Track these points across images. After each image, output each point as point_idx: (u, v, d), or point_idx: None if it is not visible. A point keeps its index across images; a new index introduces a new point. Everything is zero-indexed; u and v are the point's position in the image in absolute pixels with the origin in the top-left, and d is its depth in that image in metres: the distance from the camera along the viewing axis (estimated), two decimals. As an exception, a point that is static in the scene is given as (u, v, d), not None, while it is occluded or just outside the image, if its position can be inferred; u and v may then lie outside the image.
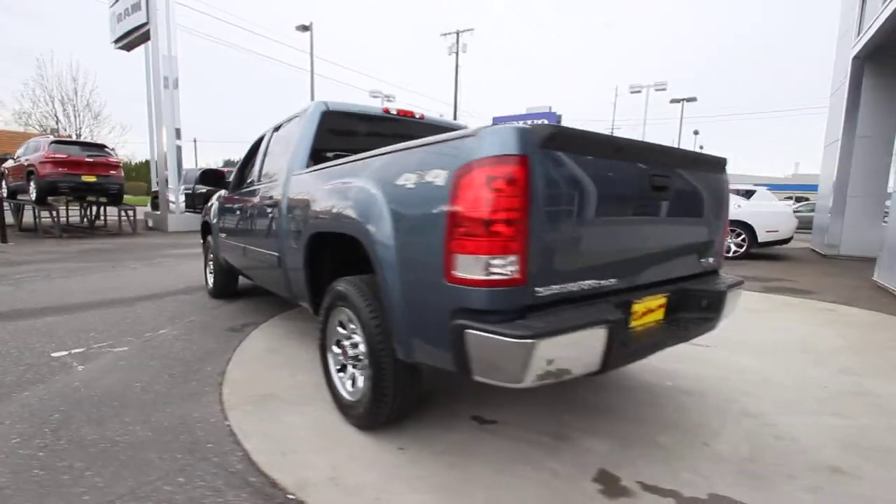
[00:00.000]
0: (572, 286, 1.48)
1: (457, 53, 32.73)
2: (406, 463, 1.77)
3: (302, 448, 1.87)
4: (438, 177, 1.41)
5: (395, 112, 3.12)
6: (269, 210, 2.89)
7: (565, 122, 29.14)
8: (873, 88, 7.81)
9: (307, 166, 2.67)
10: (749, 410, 2.22)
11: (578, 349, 1.38)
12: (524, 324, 1.31)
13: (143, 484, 1.63)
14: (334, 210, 1.97)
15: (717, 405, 2.28)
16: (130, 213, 10.96)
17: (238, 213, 3.61)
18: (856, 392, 2.48)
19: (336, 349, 2.19)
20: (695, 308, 1.94)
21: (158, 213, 12.51)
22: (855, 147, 8.13)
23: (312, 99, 23.03)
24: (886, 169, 7.54)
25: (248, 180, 4.23)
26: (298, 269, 2.45)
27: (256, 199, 3.23)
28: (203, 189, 13.74)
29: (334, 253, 2.38)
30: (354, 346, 2.03)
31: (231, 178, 4.11)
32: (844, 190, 8.28)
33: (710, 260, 2.17)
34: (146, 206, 15.86)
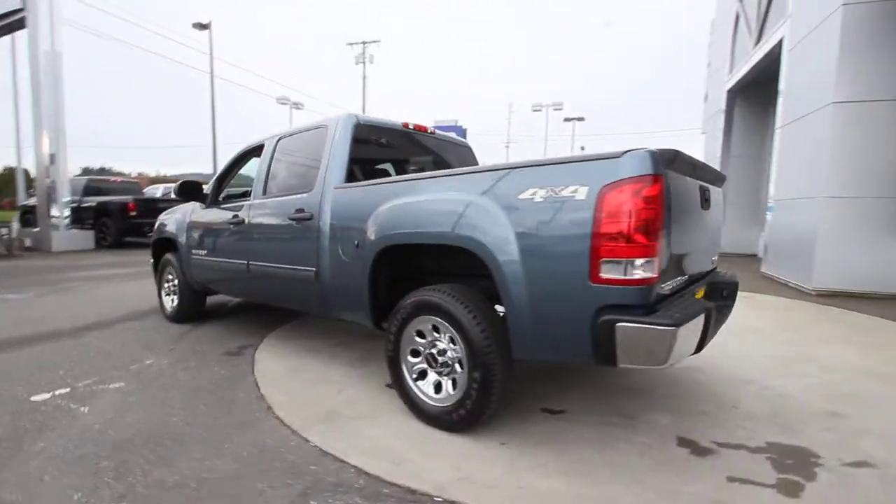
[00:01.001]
0: (672, 282, 1.78)
1: (363, 64, 32.68)
2: (517, 455, 1.90)
3: (409, 456, 1.90)
4: (578, 192, 1.61)
5: (412, 126, 3.22)
6: (296, 224, 2.79)
7: (470, 136, 30.55)
8: (743, 116, 9.65)
9: (345, 179, 2.67)
10: (746, 378, 2.72)
11: (692, 333, 1.66)
12: (663, 314, 1.56)
13: (277, 512, 1.56)
14: (428, 223, 2.04)
15: (722, 378, 2.75)
16: (4, 231, 9.18)
17: (231, 228, 3.37)
18: (804, 358, 3.16)
19: (412, 359, 2.24)
20: (719, 297, 2.37)
21: (37, 230, 10.62)
22: (730, 163, 9.92)
23: (213, 103, 21.27)
24: (758, 181, 9.34)
25: (239, 192, 3.98)
26: (355, 283, 2.43)
27: (267, 214, 3.08)
28: (91, 202, 12.00)
29: (394, 265, 2.42)
30: (441, 352, 2.11)
31: (207, 191, 3.81)
32: (724, 198, 10.03)
33: (715, 258, 2.64)
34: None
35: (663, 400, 2.45)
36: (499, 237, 1.78)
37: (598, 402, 2.43)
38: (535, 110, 28.09)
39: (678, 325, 1.51)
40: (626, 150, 1.57)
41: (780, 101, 6.57)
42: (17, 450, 1.96)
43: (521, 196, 1.76)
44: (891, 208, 4.91)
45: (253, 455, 1.93)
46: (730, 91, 9.67)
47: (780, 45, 6.72)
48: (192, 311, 4.18)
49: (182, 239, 3.98)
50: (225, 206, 3.65)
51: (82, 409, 2.37)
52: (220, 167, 3.86)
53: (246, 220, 3.24)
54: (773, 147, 9.37)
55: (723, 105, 9.92)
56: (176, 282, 4.17)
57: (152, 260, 4.58)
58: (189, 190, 3.70)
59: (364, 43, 32.86)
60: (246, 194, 4.09)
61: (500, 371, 1.90)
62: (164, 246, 4.40)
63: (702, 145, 12.17)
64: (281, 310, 4.47)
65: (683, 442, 1.99)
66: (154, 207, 11.57)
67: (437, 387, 2.16)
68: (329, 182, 2.67)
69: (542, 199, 1.70)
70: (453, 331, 2.01)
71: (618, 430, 2.12)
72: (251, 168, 3.98)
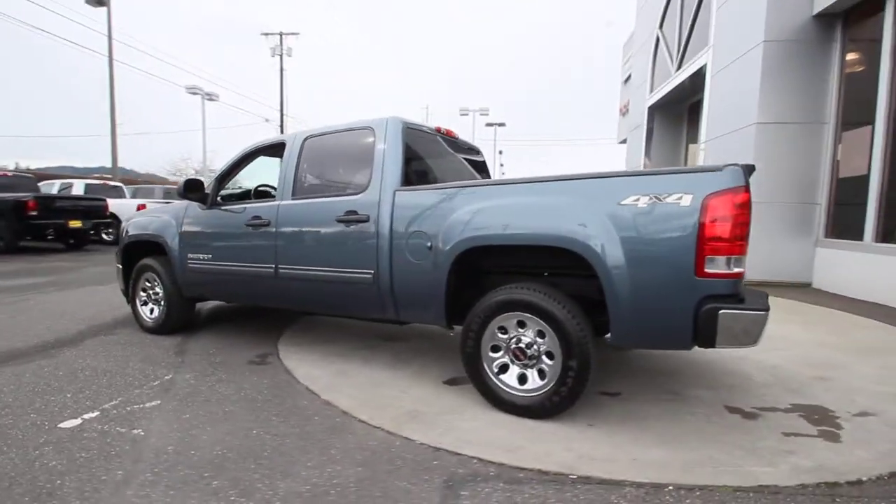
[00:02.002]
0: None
1: (281, 56, 31.12)
2: (610, 434, 2.12)
3: (518, 443, 2.03)
4: (683, 199, 1.87)
5: (443, 131, 3.31)
6: (346, 226, 2.75)
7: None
8: (662, 131, 10.95)
9: (401, 182, 2.70)
10: (738, 355, 3.23)
11: (763, 316, 2.02)
12: (752, 301, 1.88)
13: (441, 505, 1.61)
14: (530, 225, 2.17)
15: (719, 356, 3.23)
16: None
17: (251, 231, 3.18)
18: (767, 336, 3.79)
19: (493, 354, 2.36)
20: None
21: None
22: (652, 171, 11.19)
23: (111, 89, 18.80)
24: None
25: (237, 193, 3.75)
26: (426, 284, 2.48)
27: (304, 216, 2.98)
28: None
29: (461, 266, 2.51)
30: (529, 346, 2.27)
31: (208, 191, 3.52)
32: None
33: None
34: None
35: (693, 378, 2.84)
36: (603, 238, 1.99)
37: (643, 383, 2.75)
38: (462, 114, 29.01)
39: (768, 309, 1.85)
40: (725, 164, 1.87)
41: (704, 119, 7.64)
42: (94, 480, 1.75)
43: (623, 202, 1.98)
44: (798, 212, 6.01)
45: (367, 457, 1.93)
46: (650, 107, 10.94)
47: (702, 70, 7.81)
48: (181, 321, 3.84)
49: (173, 243, 3.64)
50: (230, 207, 3.42)
51: (135, 431, 2.14)
52: (223, 165, 3.60)
53: (273, 223, 3.09)
54: (685, 157, 10.78)
55: (645, 119, 11.19)
56: (159, 290, 3.80)
57: (120, 266, 4.10)
58: (195, 189, 3.41)
59: (281, 34, 31.25)
60: (247, 195, 3.88)
61: (594, 359, 2.12)
62: (140, 250, 3.98)
63: (615, 152, 13.54)
64: (267, 315, 4.28)
65: (732, 409, 2.37)
66: (55, 206, 10.09)
67: (521, 378, 2.31)
68: (387, 183, 2.68)
69: (645, 205, 1.94)
70: (545, 325, 2.18)
71: (674, 405, 2.44)
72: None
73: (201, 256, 3.48)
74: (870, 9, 5.24)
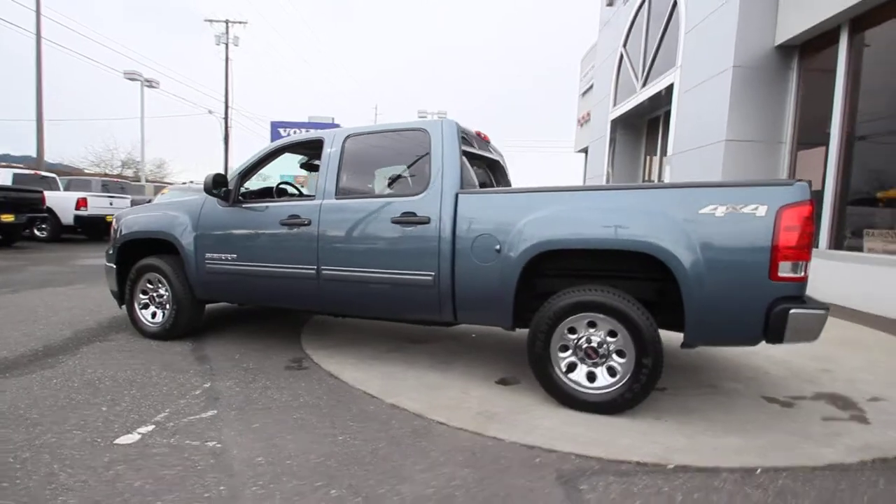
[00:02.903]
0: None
1: (226, 45, 29.53)
2: (679, 426, 2.28)
3: (603, 438, 2.13)
4: (759, 209, 2.06)
5: (482, 136, 3.37)
6: (403, 227, 2.73)
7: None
8: (623, 142, 11.66)
9: (460, 184, 2.72)
10: (746, 351, 3.55)
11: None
12: (813, 302, 2.11)
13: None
14: (611, 231, 2.28)
15: (730, 353, 3.53)
16: None
17: (288, 231, 3.05)
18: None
19: (561, 354, 2.45)
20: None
21: None
22: (611, 180, 11.90)
23: (38, 75, 16.83)
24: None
25: (257, 191, 3.60)
26: (492, 287, 2.52)
27: (353, 216, 2.90)
28: None
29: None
30: (600, 345, 2.38)
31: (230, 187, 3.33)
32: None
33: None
34: None
35: (719, 371, 3.08)
36: (683, 244, 2.15)
37: (679, 378, 2.94)
38: (420, 116, 29.01)
39: (828, 309, 2.09)
40: (796, 179, 2.08)
41: (671, 134, 8.26)
42: (198, 499, 1.64)
43: (701, 211, 2.15)
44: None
45: (469, 458, 1.95)
46: (613, 120, 11.62)
47: (665, 88, 8.44)
48: (190, 325, 3.60)
49: (187, 241, 3.39)
50: (255, 204, 3.27)
51: (210, 444, 2.01)
52: (245, 161, 3.41)
53: (314, 222, 2.98)
54: (644, 168, 11.55)
55: (608, 131, 11.86)
56: (164, 292, 3.53)
57: (114, 265, 3.75)
58: (221, 184, 3.20)
59: (227, 21, 29.64)
60: (268, 193, 3.70)
61: (662, 356, 2.27)
62: (138, 249, 3.67)
63: (572, 161, 14.25)
64: (270, 317, 4.14)
65: (769, 399, 2.62)
66: (-1, 199, 8.97)
67: (590, 376, 2.42)
68: (447, 185, 2.69)
69: (723, 214, 2.12)
70: (619, 325, 2.30)
71: (718, 397, 2.65)
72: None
73: (224, 256, 3.28)
74: (822, 43, 5.95)
